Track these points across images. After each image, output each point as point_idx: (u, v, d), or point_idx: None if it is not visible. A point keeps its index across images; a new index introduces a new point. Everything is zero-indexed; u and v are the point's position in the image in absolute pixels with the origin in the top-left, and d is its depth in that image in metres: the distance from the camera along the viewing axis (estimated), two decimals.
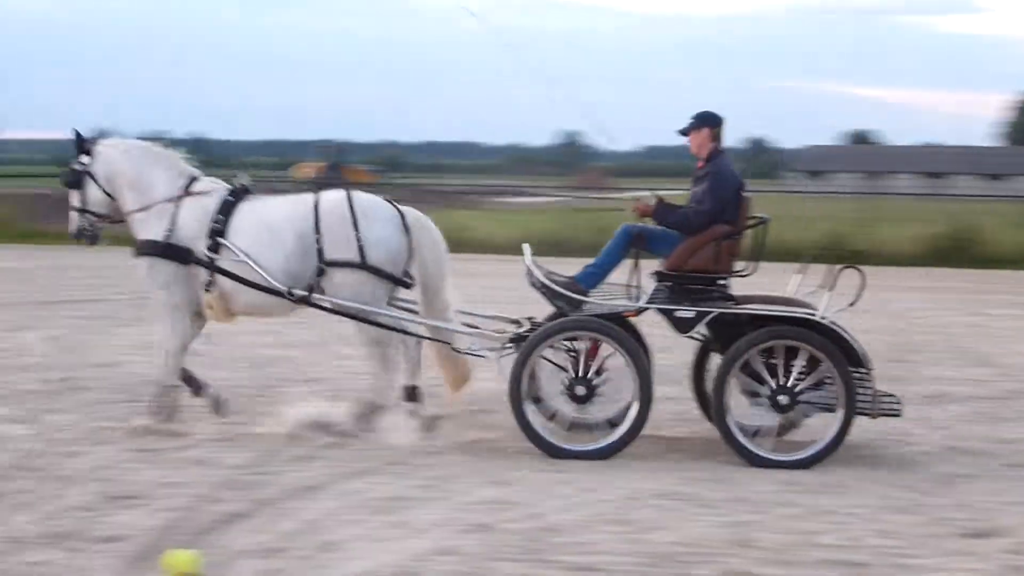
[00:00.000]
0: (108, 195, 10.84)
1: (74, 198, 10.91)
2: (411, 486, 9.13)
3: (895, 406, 10.09)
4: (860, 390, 9.88)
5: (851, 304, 10.08)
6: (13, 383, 12.69)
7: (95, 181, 10.83)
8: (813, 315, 9.87)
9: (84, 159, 10.88)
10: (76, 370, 13.55)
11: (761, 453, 9.96)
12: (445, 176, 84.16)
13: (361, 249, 10.23)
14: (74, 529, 7.93)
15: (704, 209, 10.05)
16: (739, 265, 10.27)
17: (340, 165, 73.08)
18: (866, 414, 10.01)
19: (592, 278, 10.26)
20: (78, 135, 10.90)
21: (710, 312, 10.02)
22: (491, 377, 10.76)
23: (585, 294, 10.21)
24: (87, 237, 10.98)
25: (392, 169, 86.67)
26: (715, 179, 10.10)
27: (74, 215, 10.94)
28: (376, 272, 10.28)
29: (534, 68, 10.79)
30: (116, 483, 9.00)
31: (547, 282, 10.21)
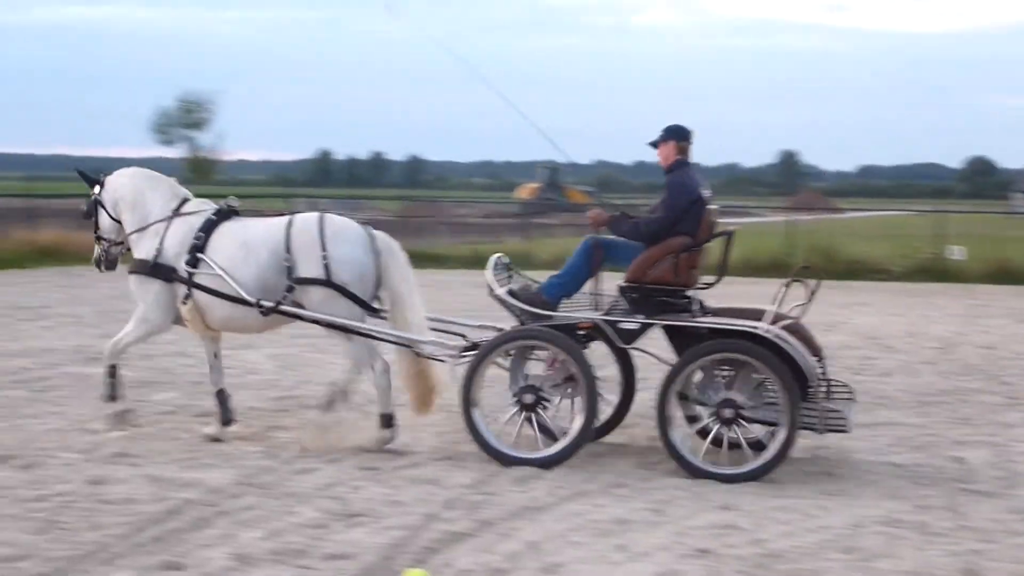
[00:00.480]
0: (116, 220, 11.50)
1: (94, 228, 11.64)
2: (634, 509, 9.09)
3: (841, 421, 9.87)
4: (806, 405, 9.72)
5: (798, 315, 10.22)
6: (239, 401, 12.96)
7: (104, 209, 11.51)
8: (756, 329, 9.75)
9: (96, 190, 11.57)
10: (300, 388, 13.83)
11: (700, 465, 9.90)
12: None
13: (327, 267, 10.61)
14: (303, 546, 8.07)
15: (655, 218, 10.17)
16: (708, 278, 10.46)
17: (559, 186, 73.23)
18: (812, 429, 9.90)
19: (555, 289, 10.45)
20: (81, 173, 11.69)
21: (652, 324, 10.10)
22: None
23: (549, 305, 10.35)
24: (105, 263, 11.70)
25: (607, 190, 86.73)
26: (670, 190, 10.22)
27: (95, 244, 11.66)
28: (341, 291, 10.66)
29: (491, 87, 11.30)
30: (344, 501, 9.14)
31: (502, 295, 10.46)
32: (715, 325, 9.99)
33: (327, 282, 10.66)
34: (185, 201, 11.41)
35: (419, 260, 33.35)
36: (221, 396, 11.32)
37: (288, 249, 10.72)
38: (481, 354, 10.29)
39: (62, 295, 24.20)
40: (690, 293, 10.28)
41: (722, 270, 10.47)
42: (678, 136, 10.37)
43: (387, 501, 9.18)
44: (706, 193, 10.29)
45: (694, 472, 9.87)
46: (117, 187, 11.48)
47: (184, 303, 11.07)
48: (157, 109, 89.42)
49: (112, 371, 11.40)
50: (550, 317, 10.31)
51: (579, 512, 9.02)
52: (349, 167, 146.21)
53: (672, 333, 10.28)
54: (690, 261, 10.15)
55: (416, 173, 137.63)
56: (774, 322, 9.88)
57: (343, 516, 8.77)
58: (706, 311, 10.33)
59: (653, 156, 10.54)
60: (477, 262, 33.38)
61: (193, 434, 11.29)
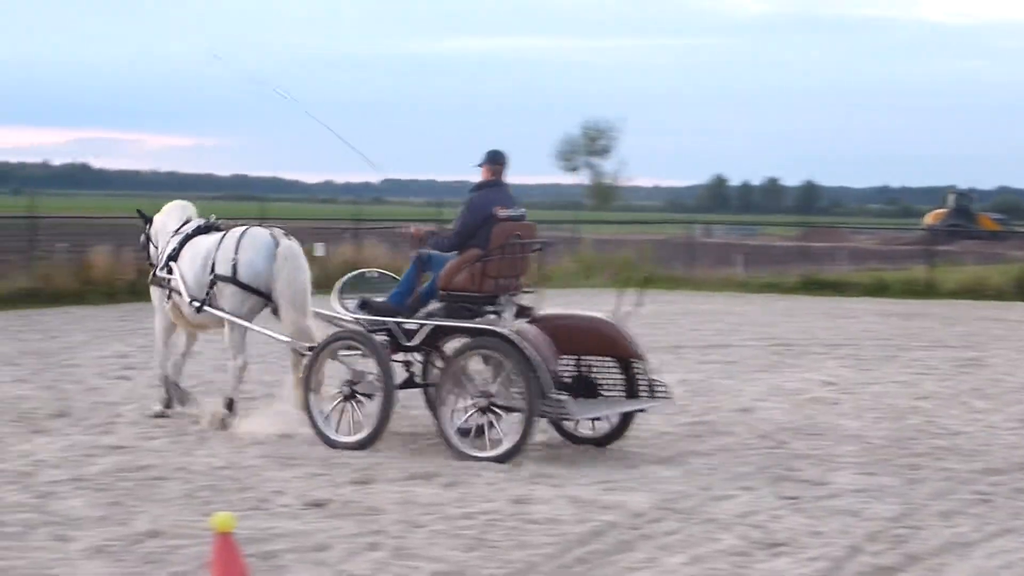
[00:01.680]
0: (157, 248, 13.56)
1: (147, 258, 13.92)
2: None
3: (562, 410, 10.91)
4: (543, 394, 10.73)
5: (629, 312, 11.71)
6: (649, 425, 13.03)
7: (151, 241, 13.69)
8: (495, 328, 11.02)
9: (147, 227, 13.85)
10: (711, 414, 13.77)
11: (466, 450, 11.03)
12: None
13: (234, 268, 12.55)
14: (728, 574, 7.99)
15: (451, 231, 11.64)
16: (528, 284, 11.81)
17: (970, 212, 70.69)
18: (544, 416, 11.07)
19: (396, 298, 11.87)
20: (140, 213, 14.01)
21: (426, 324, 11.48)
22: None
23: (395, 312, 11.71)
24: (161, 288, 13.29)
25: (1017, 216, 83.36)
26: (463, 208, 11.58)
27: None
28: (243, 286, 12.51)
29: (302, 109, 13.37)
30: (765, 529, 9.02)
31: (321, 311, 12.34)
32: (471, 326, 11.26)
33: (232, 279, 12.54)
34: (187, 221, 13.42)
35: (818, 287, 33.24)
36: (166, 381, 13.18)
37: (214, 254, 12.68)
38: (316, 351, 11.82)
39: None
40: (503, 299, 11.49)
41: (540, 280, 12.13)
42: (492, 161, 11.75)
43: (808, 531, 9.00)
44: (505, 211, 11.48)
45: (460, 454, 11.03)
46: (156, 221, 13.74)
47: (167, 302, 13.11)
48: (562, 137, 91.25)
49: (166, 379, 13.21)
50: (367, 322, 11.81)
51: (1009, 549, 8.62)
52: (742, 193, 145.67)
53: (452, 333, 11.57)
54: (486, 270, 11.30)
55: (810, 199, 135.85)
56: (533, 321, 11.34)
57: (765, 545, 8.64)
58: (524, 315, 11.60)
59: None
60: (879, 289, 32.81)
61: (609, 456, 11.38)
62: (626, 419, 11.84)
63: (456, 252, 11.56)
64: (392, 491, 9.88)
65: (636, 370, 11.74)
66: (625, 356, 11.70)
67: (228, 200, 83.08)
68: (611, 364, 11.83)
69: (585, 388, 11.79)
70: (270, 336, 12.72)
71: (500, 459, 10.84)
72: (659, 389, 11.76)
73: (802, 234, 54.16)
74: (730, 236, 62.94)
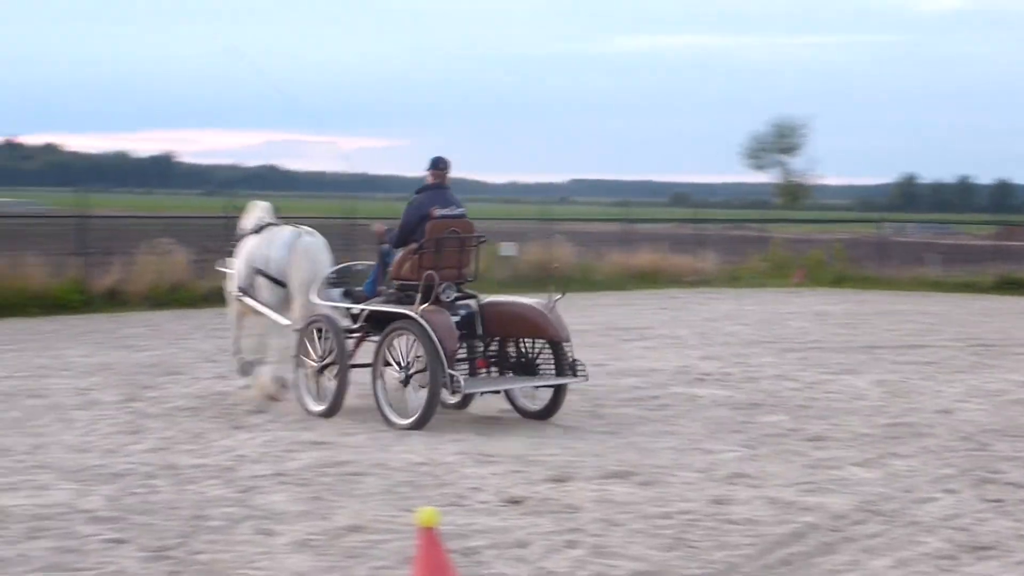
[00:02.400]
0: None
1: None
2: None
3: (456, 384, 12.22)
4: (442, 371, 12.09)
5: (556, 300, 12.96)
6: (847, 426, 12.84)
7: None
8: (407, 311, 12.40)
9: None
10: (911, 415, 13.50)
11: (393, 419, 12.44)
12: None
13: (265, 262, 14.07)
14: None
15: (398, 227, 13.03)
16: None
17: None
18: (447, 389, 12.31)
19: (369, 287, 13.42)
20: (233, 210, 15.22)
21: (364, 310, 13.13)
22: None
23: (366, 299, 13.29)
24: None
25: None
26: (405, 208, 13.04)
27: None
28: (269, 278, 14.00)
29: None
30: (970, 532, 8.80)
31: (317, 299, 13.57)
32: (390, 309, 12.74)
33: (263, 272, 14.05)
34: (260, 221, 14.73)
35: (1016, 287, 32.36)
36: (239, 359, 14.56)
37: (254, 251, 14.25)
38: (299, 332, 13.37)
39: (662, 317, 24.84)
40: (443, 286, 12.62)
41: (475, 272, 13.27)
42: (434, 166, 13.09)
43: (1015, 535, 8.77)
44: (441, 211, 12.81)
45: (388, 422, 12.42)
46: (242, 221, 15.05)
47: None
48: (751, 135, 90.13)
49: (238, 357, 14.66)
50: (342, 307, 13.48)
51: None
52: (933, 191, 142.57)
53: (375, 317, 13.03)
54: (422, 262, 12.64)
55: (1004, 197, 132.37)
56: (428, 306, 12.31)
57: (971, 548, 8.43)
58: (463, 301, 13.02)
59: None
60: None
61: (807, 458, 11.22)
62: (558, 394, 13.03)
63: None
64: (589, 489, 9.86)
65: (561, 351, 12.92)
66: (551, 339, 12.92)
67: None
68: (542, 345, 13.05)
69: (524, 366, 13.14)
70: (277, 320, 13.94)
71: (413, 426, 12.22)
72: (580, 369, 12.93)
73: (997, 233, 52.85)
74: (923, 235, 61.72)
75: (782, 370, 16.96)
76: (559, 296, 13.02)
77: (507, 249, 31.47)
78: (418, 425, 12.21)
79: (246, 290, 14.30)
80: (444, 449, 11.35)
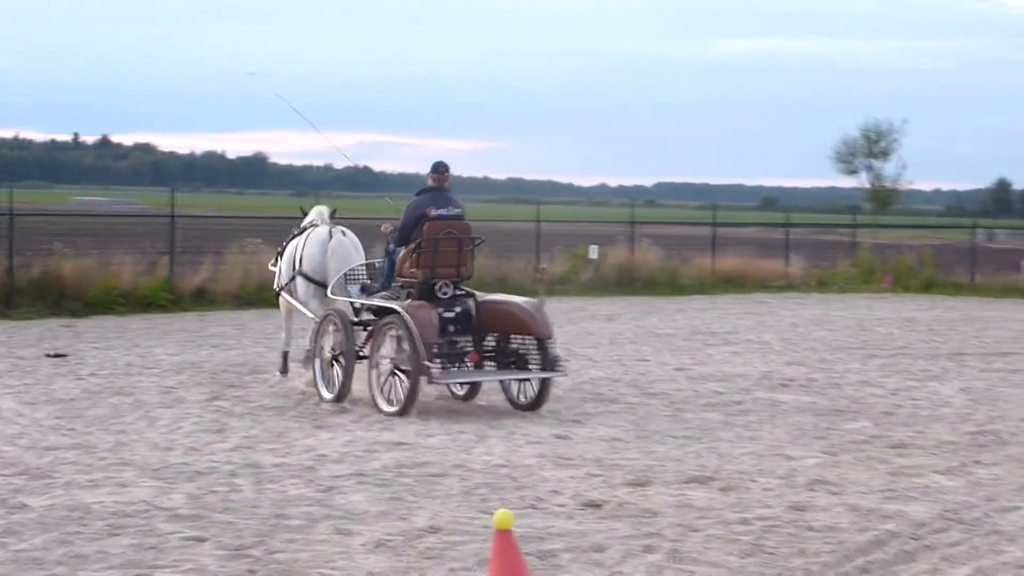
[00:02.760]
0: None
1: None
2: None
3: (431, 375, 12.84)
4: (427, 361, 12.77)
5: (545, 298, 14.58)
6: (931, 433, 12.71)
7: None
8: (393, 306, 13.30)
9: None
10: (996, 423, 13.33)
11: (383, 407, 13.16)
12: None
13: (301, 260, 15.06)
14: None
15: (399, 227, 13.86)
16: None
17: None
18: (425, 375, 12.89)
19: (386, 280, 14.07)
20: (301, 209, 16.50)
21: (366, 303, 14.10)
22: None
23: (377, 292, 14.12)
24: None
25: None
26: (406, 208, 13.80)
27: None
28: (305, 276, 15.01)
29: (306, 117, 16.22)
30: None
31: (332, 295, 14.60)
32: (382, 304, 13.64)
33: (300, 271, 15.04)
34: (312, 223, 15.66)
35: None
36: (285, 356, 15.55)
37: (294, 252, 15.21)
38: (315, 325, 14.26)
39: (748, 321, 24.70)
40: (440, 284, 13.49)
41: (471, 271, 13.87)
42: (434, 171, 13.81)
43: None
44: (437, 211, 13.49)
45: (377, 409, 13.13)
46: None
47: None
48: (841, 139, 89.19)
49: (284, 355, 15.63)
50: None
51: None
52: None
53: (378, 310, 13.86)
54: (420, 261, 13.42)
55: None
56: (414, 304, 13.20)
57: None
58: (460, 298, 13.65)
59: None
60: None
61: (889, 465, 11.11)
62: (543, 389, 13.60)
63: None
64: (668, 494, 9.84)
65: (544, 348, 13.45)
66: (536, 336, 13.49)
67: (504, 203, 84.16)
68: (528, 341, 13.60)
69: (515, 359, 13.70)
70: (305, 313, 14.95)
71: (398, 413, 12.92)
72: (559, 366, 13.44)
73: None
74: (1015, 241, 60.86)
75: (867, 376, 16.81)
76: (546, 297, 14.15)
77: (593, 252, 31.59)
78: (401, 412, 12.93)
79: (288, 288, 15.30)
80: (523, 452, 11.37)
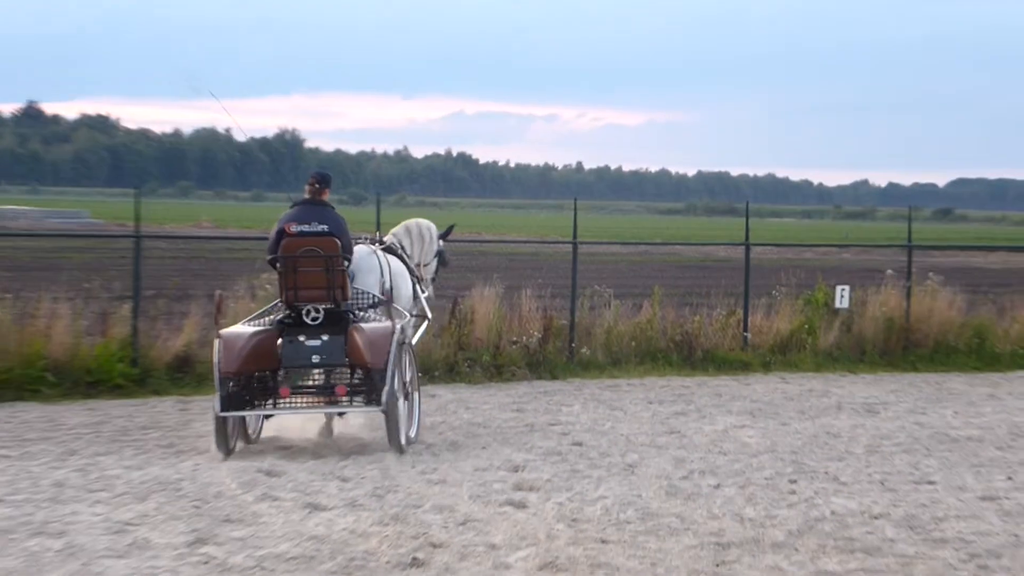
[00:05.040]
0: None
1: None
2: None
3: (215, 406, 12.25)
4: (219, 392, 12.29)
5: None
6: None
7: None
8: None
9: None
10: None
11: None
12: None
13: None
14: None
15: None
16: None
17: None
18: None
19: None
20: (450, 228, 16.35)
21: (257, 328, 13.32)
22: None
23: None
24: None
25: None
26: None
27: None
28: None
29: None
30: None
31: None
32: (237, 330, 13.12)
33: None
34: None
35: None
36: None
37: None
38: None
39: None
40: (308, 308, 12.58)
41: (344, 294, 12.64)
42: (308, 181, 13.22)
43: None
44: (299, 228, 12.57)
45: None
46: None
47: None
48: None
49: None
50: None
51: None
52: None
53: None
54: (283, 282, 12.61)
55: None
56: None
57: None
58: (334, 325, 12.60)
59: None
60: None
61: None
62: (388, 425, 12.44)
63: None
64: None
65: (370, 379, 12.41)
66: (362, 366, 12.42)
67: (682, 214, 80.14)
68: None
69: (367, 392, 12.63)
70: None
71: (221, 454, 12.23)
72: (379, 402, 12.18)
73: None
74: None
75: None
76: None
77: (841, 298, 21.00)
78: (222, 453, 12.16)
79: None
80: None
